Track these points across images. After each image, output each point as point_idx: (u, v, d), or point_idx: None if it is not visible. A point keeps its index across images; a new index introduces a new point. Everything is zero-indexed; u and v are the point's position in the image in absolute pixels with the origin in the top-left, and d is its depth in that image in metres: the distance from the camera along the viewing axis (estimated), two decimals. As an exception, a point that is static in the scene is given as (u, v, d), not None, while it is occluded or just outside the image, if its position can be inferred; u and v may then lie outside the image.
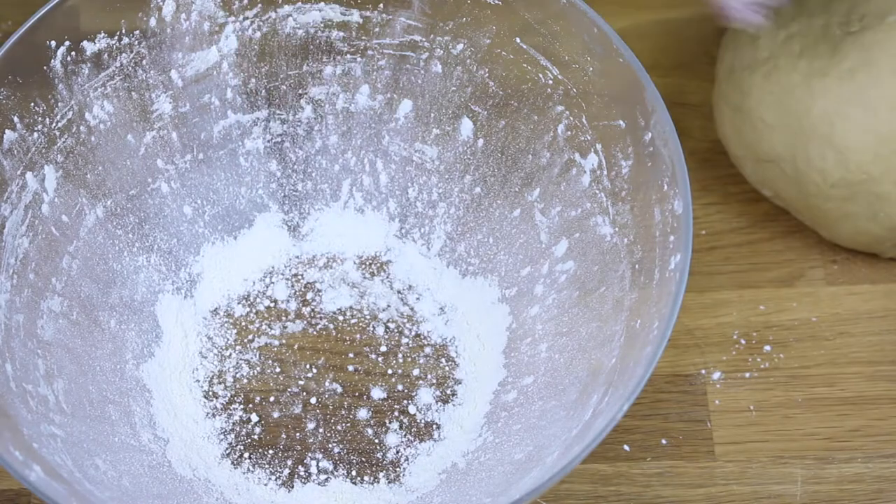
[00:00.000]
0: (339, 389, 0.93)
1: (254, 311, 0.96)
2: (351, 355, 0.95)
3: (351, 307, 0.96)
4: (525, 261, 0.95)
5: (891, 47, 0.89)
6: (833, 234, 0.95)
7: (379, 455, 0.91)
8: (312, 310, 0.96)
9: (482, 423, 0.91)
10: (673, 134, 0.83)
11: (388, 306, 0.96)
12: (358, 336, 0.95)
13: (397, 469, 0.90)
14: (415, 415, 0.92)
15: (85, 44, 0.89)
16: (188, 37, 0.92)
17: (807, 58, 0.91)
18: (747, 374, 0.95)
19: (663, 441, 0.92)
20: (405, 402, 0.93)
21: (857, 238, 0.94)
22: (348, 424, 0.92)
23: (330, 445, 0.91)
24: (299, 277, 0.98)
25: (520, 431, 0.89)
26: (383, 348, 0.95)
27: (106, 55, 0.90)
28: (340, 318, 0.96)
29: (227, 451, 0.91)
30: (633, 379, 0.78)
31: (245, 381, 0.94)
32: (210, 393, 0.93)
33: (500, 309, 0.95)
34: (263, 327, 0.96)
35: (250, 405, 0.93)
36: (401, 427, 0.92)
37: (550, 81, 0.91)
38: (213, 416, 0.92)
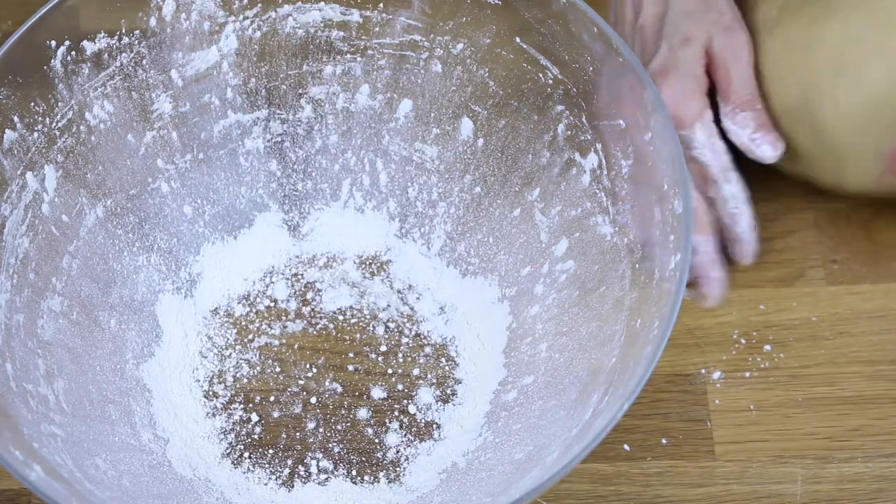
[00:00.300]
0: (339, 389, 0.93)
1: (254, 310, 0.96)
2: (351, 355, 0.95)
3: (351, 307, 0.96)
4: (525, 260, 0.95)
5: None
6: (839, 178, 0.95)
7: (379, 455, 0.91)
8: (312, 309, 0.96)
9: (482, 422, 0.91)
10: (673, 134, 0.83)
11: (388, 306, 0.96)
12: (358, 336, 0.95)
13: (397, 469, 0.90)
14: (415, 414, 0.92)
15: (85, 44, 0.89)
16: (188, 37, 0.92)
17: (808, 6, 0.91)
18: (747, 374, 0.95)
19: (663, 441, 0.92)
20: (405, 401, 0.93)
21: (862, 179, 0.94)
22: (348, 424, 0.92)
23: (330, 445, 0.91)
24: (299, 277, 0.98)
25: (520, 431, 0.89)
26: (383, 348, 0.95)
27: (106, 55, 0.90)
28: (340, 317, 0.96)
29: (227, 451, 0.91)
30: (633, 379, 0.78)
31: (245, 380, 0.94)
32: (210, 392, 0.93)
33: (500, 308, 0.95)
34: (263, 327, 0.96)
35: (250, 405, 0.93)
36: (401, 427, 0.92)
37: (550, 81, 0.91)
38: (213, 415, 0.92)
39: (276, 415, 0.92)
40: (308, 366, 0.94)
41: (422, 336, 0.95)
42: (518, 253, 0.95)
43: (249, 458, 0.91)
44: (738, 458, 0.92)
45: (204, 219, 0.97)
